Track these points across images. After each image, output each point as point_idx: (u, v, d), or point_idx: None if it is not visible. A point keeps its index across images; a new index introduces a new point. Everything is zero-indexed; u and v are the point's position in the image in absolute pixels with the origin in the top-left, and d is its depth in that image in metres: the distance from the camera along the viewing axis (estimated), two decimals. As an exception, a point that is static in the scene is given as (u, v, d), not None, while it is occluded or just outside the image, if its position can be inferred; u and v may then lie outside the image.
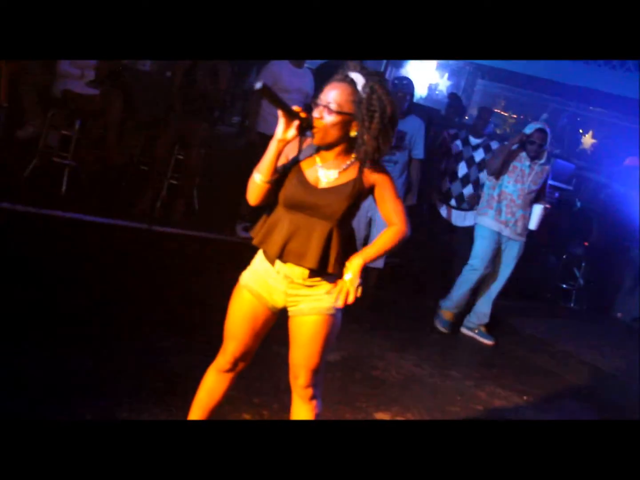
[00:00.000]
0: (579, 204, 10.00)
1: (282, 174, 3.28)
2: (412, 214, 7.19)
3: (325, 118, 3.15)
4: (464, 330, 7.19)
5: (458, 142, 7.95)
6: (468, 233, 8.04)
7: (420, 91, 15.49)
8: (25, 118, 7.85)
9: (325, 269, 3.25)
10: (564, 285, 9.79)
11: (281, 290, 3.34)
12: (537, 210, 6.94)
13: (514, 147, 6.94)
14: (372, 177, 3.27)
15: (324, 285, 3.32)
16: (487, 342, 7.08)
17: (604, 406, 6.26)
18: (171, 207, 7.82)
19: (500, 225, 6.98)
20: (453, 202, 7.97)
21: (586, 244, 9.79)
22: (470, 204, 7.93)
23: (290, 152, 3.32)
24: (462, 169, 7.89)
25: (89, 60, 7.44)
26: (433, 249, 8.05)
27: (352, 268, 3.25)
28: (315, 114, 3.18)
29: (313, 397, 3.45)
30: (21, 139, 7.88)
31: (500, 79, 13.76)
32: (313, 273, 3.28)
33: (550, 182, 7.56)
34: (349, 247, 3.33)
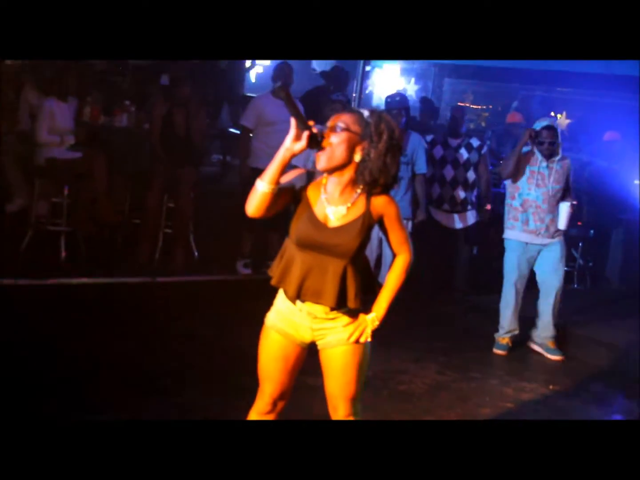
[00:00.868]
0: (565, 185, 10.08)
1: (288, 194, 3.28)
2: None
3: (332, 138, 3.17)
4: (532, 345, 6.97)
5: (438, 147, 8.03)
6: (464, 235, 8.14)
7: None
8: (12, 191, 7.91)
9: (345, 305, 3.31)
10: (565, 268, 9.84)
11: (306, 326, 3.39)
12: (564, 208, 6.62)
13: (525, 149, 6.71)
14: (379, 207, 3.30)
15: (346, 317, 3.39)
16: (553, 357, 6.77)
17: (630, 384, 6.30)
18: (170, 256, 7.87)
19: (530, 235, 6.71)
20: (446, 207, 8.04)
21: (580, 223, 9.84)
22: (464, 205, 8.01)
23: (297, 182, 3.32)
24: (449, 173, 7.97)
25: (66, 126, 7.50)
26: (433, 255, 8.10)
27: (378, 312, 3.39)
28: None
29: None
30: (11, 213, 7.93)
31: (466, 75, 13.82)
32: (334, 308, 3.33)
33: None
34: (366, 278, 3.38)
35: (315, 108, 7.66)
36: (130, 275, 7.31)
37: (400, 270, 3.42)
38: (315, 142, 3.14)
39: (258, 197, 3.16)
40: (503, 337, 6.86)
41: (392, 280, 3.44)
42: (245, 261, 7.96)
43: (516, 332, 6.85)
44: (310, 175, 3.35)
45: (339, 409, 3.47)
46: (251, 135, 7.85)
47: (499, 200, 8.24)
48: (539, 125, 6.65)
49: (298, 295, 3.30)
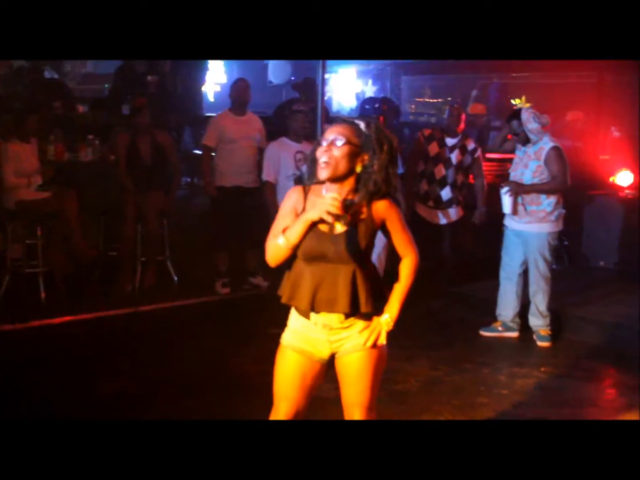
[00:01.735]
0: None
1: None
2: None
3: (333, 152, 3.25)
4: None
5: (434, 144, 7.94)
6: (450, 229, 8.15)
7: (349, 103, 15.64)
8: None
9: (358, 310, 3.36)
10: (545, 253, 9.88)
11: (324, 339, 3.42)
12: (501, 193, 6.75)
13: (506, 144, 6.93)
14: (381, 212, 3.36)
15: (361, 322, 3.43)
16: (540, 343, 6.77)
17: (621, 358, 6.38)
18: (150, 284, 7.87)
19: (508, 220, 6.86)
20: (431, 203, 8.01)
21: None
22: (449, 203, 7.98)
23: (298, 206, 3.39)
24: (439, 171, 7.93)
25: (32, 167, 7.49)
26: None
27: (391, 313, 3.46)
28: (323, 152, 3.28)
29: None
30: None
31: (422, 70, 13.96)
32: (348, 315, 3.38)
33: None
34: (375, 284, 3.43)
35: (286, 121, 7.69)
36: (112, 308, 7.27)
37: (409, 272, 3.50)
38: (339, 221, 3.29)
39: (280, 252, 3.34)
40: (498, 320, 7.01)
41: (401, 281, 3.51)
42: (223, 280, 7.95)
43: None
44: (306, 189, 3.42)
45: (355, 417, 3.51)
46: (214, 154, 7.86)
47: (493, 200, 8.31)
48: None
49: (312, 308, 3.34)
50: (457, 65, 12.70)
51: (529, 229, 6.73)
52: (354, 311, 3.35)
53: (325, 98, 14.28)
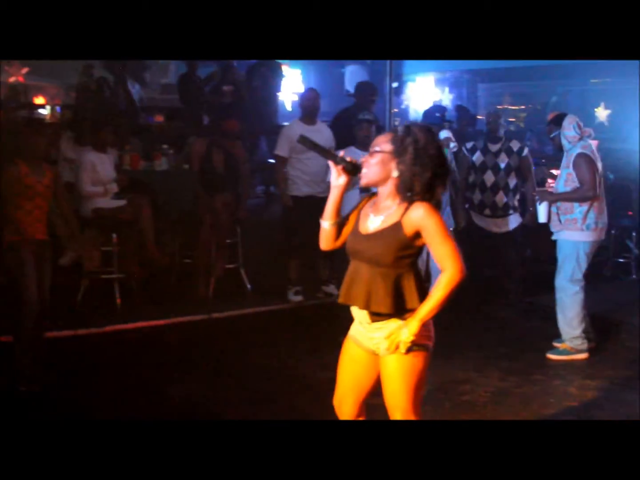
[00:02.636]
0: (611, 176, 9.93)
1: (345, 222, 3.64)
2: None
3: (370, 160, 3.46)
4: None
5: (478, 153, 8.00)
6: (509, 238, 8.07)
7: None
8: (63, 246, 8.05)
9: (377, 309, 3.45)
10: (620, 259, 9.71)
11: (366, 334, 3.58)
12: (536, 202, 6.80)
13: None
14: (415, 219, 3.37)
15: (391, 325, 3.48)
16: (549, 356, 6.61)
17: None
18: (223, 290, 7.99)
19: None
20: (488, 212, 7.99)
21: (630, 213, 9.72)
22: (505, 210, 7.95)
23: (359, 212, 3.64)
24: (489, 178, 7.92)
25: (108, 176, 7.64)
26: (480, 261, 8.09)
27: (410, 327, 3.41)
28: (363, 161, 3.50)
29: None
30: (64, 266, 8.08)
31: (499, 78, 13.83)
32: (374, 316, 3.49)
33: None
34: (409, 285, 3.45)
35: (346, 130, 7.72)
36: (186, 315, 7.39)
37: (442, 286, 3.41)
38: (353, 170, 3.50)
39: (324, 234, 3.64)
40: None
41: (433, 295, 3.44)
42: (296, 289, 8.00)
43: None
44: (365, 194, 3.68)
45: (394, 418, 3.58)
46: (286, 164, 7.93)
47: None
48: None
49: (345, 300, 3.55)
50: (534, 72, 12.53)
51: (560, 236, 6.55)
52: (370, 309, 3.47)
53: (402, 106, 14.36)
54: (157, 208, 7.92)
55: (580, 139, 6.45)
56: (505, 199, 7.93)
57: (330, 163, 3.49)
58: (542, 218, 6.62)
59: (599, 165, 6.47)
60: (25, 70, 12.11)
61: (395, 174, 3.40)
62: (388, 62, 8.78)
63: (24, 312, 5.53)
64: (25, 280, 5.54)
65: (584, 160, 6.37)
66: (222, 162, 8.04)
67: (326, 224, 3.59)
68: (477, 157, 7.99)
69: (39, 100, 11.74)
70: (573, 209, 6.44)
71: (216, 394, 5.58)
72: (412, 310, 3.43)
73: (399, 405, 3.53)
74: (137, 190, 7.91)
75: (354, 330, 3.67)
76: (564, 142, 6.52)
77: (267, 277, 8.40)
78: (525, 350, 6.75)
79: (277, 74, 11.92)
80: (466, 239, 7.94)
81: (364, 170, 3.46)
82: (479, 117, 12.06)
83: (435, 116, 7.26)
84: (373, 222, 3.49)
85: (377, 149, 3.46)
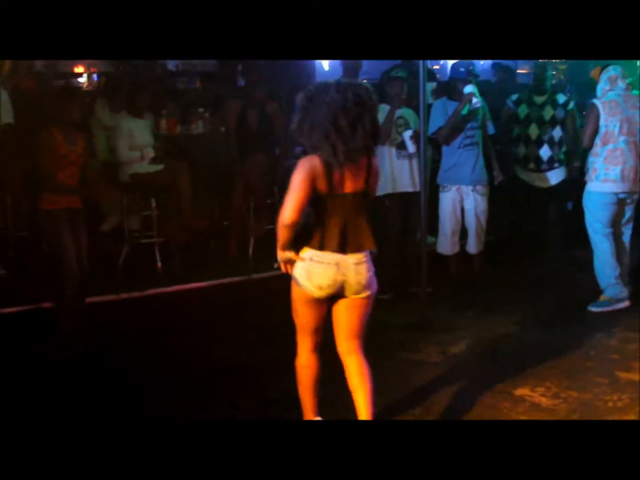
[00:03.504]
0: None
1: None
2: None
3: None
4: None
5: (523, 106, 7.89)
6: (553, 192, 7.99)
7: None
8: (103, 211, 8.17)
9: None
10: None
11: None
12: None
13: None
14: None
15: None
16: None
17: None
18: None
19: None
20: (532, 166, 7.91)
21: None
22: (550, 164, 7.86)
23: None
24: (534, 131, 7.83)
25: (145, 141, 7.69)
26: (520, 216, 8.04)
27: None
28: None
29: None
30: (106, 232, 8.20)
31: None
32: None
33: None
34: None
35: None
36: (225, 277, 7.44)
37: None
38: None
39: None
40: None
41: None
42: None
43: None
44: None
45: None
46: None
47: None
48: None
49: None
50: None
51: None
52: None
53: (441, 62, 14.17)
54: (195, 172, 7.95)
55: (611, 89, 6.42)
56: (549, 153, 7.83)
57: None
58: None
59: (618, 119, 6.37)
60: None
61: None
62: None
63: (64, 279, 5.62)
64: (63, 249, 5.62)
65: (589, 111, 6.49)
66: (256, 123, 8.05)
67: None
68: (521, 109, 7.90)
69: (79, 69, 11.80)
70: (588, 161, 6.54)
71: (262, 354, 5.59)
72: None
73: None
74: (175, 155, 7.95)
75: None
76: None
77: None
78: (567, 303, 6.73)
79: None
80: (509, 193, 7.91)
81: None
82: (520, 70, 11.86)
83: (459, 71, 7.18)
84: None
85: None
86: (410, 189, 6.89)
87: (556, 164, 7.87)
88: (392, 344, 5.69)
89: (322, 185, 3.70)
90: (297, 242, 3.82)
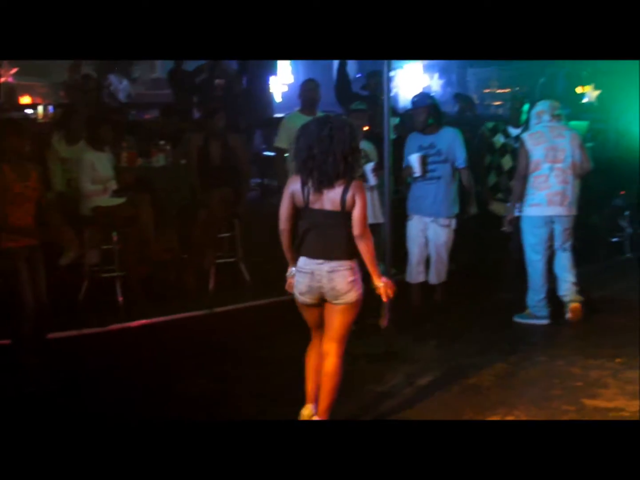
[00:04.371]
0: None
1: None
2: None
3: None
4: None
5: (499, 136, 8.01)
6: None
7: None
8: (63, 245, 8.07)
9: None
10: (614, 239, 9.78)
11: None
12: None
13: None
14: None
15: None
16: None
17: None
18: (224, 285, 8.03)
19: None
20: (500, 196, 8.01)
21: (623, 192, 9.77)
22: None
23: None
24: (507, 162, 7.96)
25: (107, 174, 7.65)
26: (489, 247, 8.15)
27: None
28: None
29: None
30: (65, 266, 8.09)
31: (489, 62, 13.86)
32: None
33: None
34: None
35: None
36: (187, 311, 7.41)
37: None
38: None
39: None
40: None
41: None
42: (295, 280, 7.99)
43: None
44: None
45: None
46: (286, 155, 7.93)
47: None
48: None
49: None
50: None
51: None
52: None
53: (392, 94, 14.38)
54: (157, 204, 7.93)
55: (537, 123, 7.03)
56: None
57: None
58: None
59: (543, 148, 6.89)
60: (14, 70, 12.08)
61: None
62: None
63: (21, 316, 5.55)
64: (20, 287, 5.54)
65: (519, 145, 7.13)
66: (219, 156, 8.08)
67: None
68: (497, 138, 8.01)
69: (25, 99, 11.72)
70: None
71: (224, 389, 5.60)
72: None
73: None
74: (137, 188, 7.92)
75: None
76: None
77: (266, 270, 8.44)
78: (526, 333, 6.86)
79: (268, 66, 11.94)
80: (475, 225, 8.00)
81: None
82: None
83: (413, 101, 7.37)
84: None
85: None
86: (371, 221, 6.93)
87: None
88: (358, 376, 5.70)
89: (299, 201, 4.41)
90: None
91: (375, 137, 7.44)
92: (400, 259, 7.29)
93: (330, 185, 4.32)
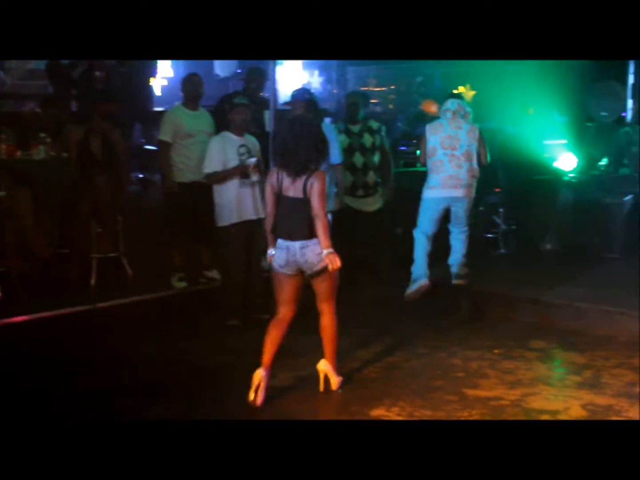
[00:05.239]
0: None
1: None
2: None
3: None
4: None
5: (343, 136, 8.13)
6: (382, 215, 8.32)
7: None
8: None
9: None
10: (489, 235, 10.10)
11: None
12: None
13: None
14: None
15: None
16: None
17: (570, 336, 6.70)
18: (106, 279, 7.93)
19: None
20: (360, 192, 8.23)
21: (498, 190, 10.11)
22: (375, 188, 8.21)
23: None
24: (358, 160, 8.17)
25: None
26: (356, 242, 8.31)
27: None
28: None
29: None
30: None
31: (367, 60, 14.05)
32: None
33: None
34: None
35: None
36: (70, 306, 7.26)
37: None
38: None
39: None
40: None
41: None
42: (179, 275, 7.97)
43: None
44: None
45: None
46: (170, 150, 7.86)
47: (403, 179, 8.86)
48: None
49: None
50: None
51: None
52: None
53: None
54: (37, 198, 7.74)
55: (442, 117, 7.53)
56: (374, 178, 8.21)
57: None
58: None
59: (440, 137, 7.40)
60: None
61: None
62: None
63: None
64: None
65: (422, 133, 7.70)
66: (99, 148, 7.99)
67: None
68: (342, 139, 8.09)
69: None
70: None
71: (109, 387, 5.55)
72: None
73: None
74: (16, 181, 7.71)
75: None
76: None
77: (149, 265, 8.38)
78: (409, 325, 7.07)
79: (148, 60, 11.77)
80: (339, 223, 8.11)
81: None
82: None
83: (292, 95, 7.47)
84: None
85: None
86: (253, 217, 6.99)
87: (380, 188, 8.25)
88: (242, 370, 5.71)
89: (275, 189, 5.22)
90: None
91: (257, 133, 7.52)
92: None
93: (305, 171, 5.09)
